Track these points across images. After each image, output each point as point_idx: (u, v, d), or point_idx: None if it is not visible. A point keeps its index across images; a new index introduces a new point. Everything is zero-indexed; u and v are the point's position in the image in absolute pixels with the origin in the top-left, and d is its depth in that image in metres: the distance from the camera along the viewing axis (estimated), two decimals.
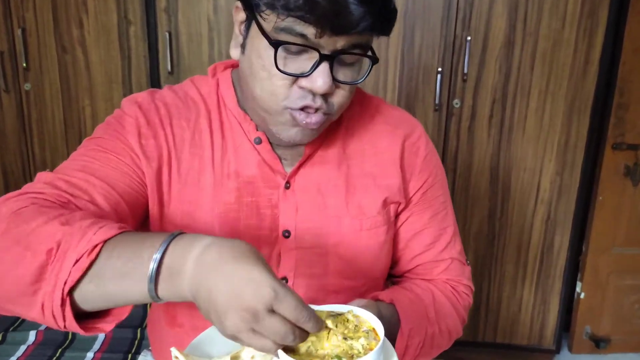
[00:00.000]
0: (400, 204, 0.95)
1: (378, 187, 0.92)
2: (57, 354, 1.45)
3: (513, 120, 1.97)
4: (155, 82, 2.06)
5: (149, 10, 1.99)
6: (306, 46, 0.73)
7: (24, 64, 2.08)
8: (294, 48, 0.74)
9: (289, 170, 0.90)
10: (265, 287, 0.55)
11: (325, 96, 0.77)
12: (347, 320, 0.71)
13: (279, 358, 0.64)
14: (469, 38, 1.90)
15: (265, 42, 0.74)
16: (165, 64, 2.03)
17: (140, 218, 0.89)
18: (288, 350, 0.67)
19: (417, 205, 0.96)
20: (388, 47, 1.94)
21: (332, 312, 0.73)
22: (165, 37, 2.00)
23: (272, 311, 0.56)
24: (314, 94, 0.76)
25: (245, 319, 0.56)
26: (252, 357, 0.69)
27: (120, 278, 0.63)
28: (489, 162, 2.01)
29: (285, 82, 0.76)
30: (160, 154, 0.87)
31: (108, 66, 2.07)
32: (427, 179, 0.96)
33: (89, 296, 0.65)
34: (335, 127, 0.93)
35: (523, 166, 2.01)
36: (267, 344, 0.58)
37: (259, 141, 0.88)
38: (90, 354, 1.46)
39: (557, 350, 2.21)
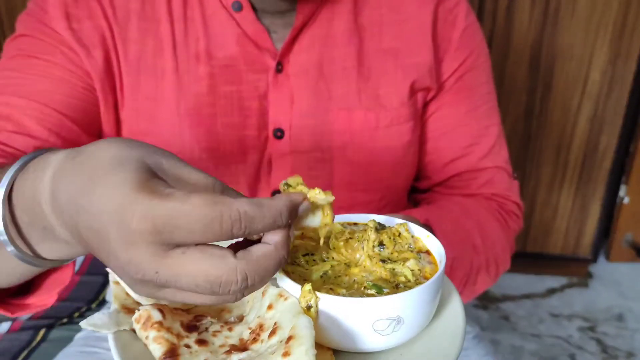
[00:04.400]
0: (430, 90, 0.71)
1: (402, 67, 0.69)
2: None
3: None
4: None
5: None
6: None
7: None
8: None
9: (280, 46, 0.67)
10: (135, 217, 0.31)
11: None
12: (399, 235, 0.50)
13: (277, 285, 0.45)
14: None
15: None
16: None
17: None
18: (295, 272, 0.47)
19: (450, 94, 0.73)
20: None
21: (376, 223, 0.51)
22: None
23: (176, 247, 0.33)
24: None
25: (139, 278, 0.33)
26: None
27: None
28: (529, 50, 1.73)
29: None
30: (103, 37, 0.64)
31: None
32: (466, 60, 0.73)
33: None
34: None
35: (569, 55, 1.72)
36: (206, 299, 0.36)
37: (238, 7, 0.65)
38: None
39: (594, 259, 2.04)
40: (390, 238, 0.50)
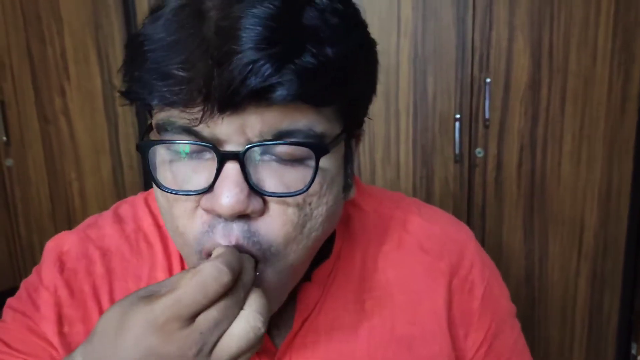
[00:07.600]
0: None
1: (418, 359, 0.62)
2: None
3: (545, 169, 1.74)
4: None
5: None
6: (190, 143, 0.45)
7: (5, 138, 1.91)
8: (182, 149, 0.46)
9: (280, 343, 0.61)
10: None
11: (248, 221, 0.46)
12: None
13: None
14: (488, 80, 1.69)
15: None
16: None
17: None
18: None
19: None
20: (398, 96, 1.74)
21: None
22: None
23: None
24: (225, 219, 0.46)
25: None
26: None
27: None
28: (521, 216, 1.78)
29: (185, 207, 0.47)
30: None
31: (94, 135, 1.89)
32: (491, 325, 0.66)
33: None
34: (345, 265, 0.63)
35: (561, 219, 1.77)
36: None
37: None
38: None
39: None
40: None
